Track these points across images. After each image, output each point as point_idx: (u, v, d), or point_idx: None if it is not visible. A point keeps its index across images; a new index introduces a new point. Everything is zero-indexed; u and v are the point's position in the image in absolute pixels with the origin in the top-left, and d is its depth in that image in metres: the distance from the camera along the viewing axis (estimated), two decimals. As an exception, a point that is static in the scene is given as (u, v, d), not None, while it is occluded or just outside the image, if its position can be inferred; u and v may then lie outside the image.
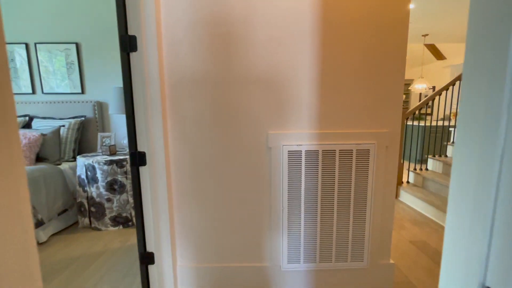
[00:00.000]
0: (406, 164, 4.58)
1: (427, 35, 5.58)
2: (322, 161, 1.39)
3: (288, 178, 1.40)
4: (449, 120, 3.54)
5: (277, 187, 1.42)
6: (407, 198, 3.08)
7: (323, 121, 1.39)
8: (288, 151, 1.38)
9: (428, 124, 4.72)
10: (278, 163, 1.40)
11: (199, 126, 1.38)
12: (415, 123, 5.33)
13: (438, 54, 9.31)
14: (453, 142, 3.36)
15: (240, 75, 1.34)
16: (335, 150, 1.39)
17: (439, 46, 8.64)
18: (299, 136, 1.38)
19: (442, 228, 2.43)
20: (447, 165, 3.09)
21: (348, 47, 1.32)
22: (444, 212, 2.48)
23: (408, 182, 3.40)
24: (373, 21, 1.30)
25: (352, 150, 1.39)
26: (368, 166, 1.40)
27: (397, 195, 3.29)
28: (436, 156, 3.40)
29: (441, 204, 2.59)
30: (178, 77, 1.34)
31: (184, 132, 1.39)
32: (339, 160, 1.40)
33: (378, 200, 1.45)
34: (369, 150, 1.39)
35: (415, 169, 3.39)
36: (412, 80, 10.51)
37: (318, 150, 1.39)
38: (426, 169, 3.40)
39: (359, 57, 1.33)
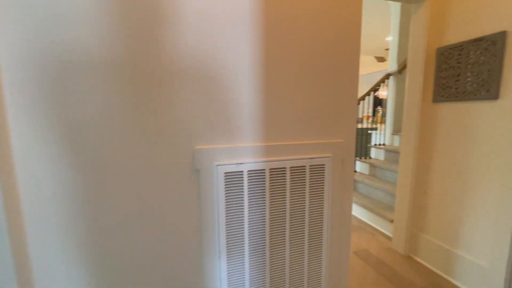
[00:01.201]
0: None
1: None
2: (270, 182, 1.05)
3: (226, 210, 1.00)
4: (361, 122, 3.81)
5: (210, 225, 1.00)
6: (342, 202, 3.10)
7: (270, 131, 1.05)
8: (225, 173, 0.98)
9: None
10: (210, 191, 0.98)
11: (85, 141, 0.84)
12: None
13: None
14: (375, 145, 3.60)
15: (158, 64, 0.87)
16: (285, 168, 1.07)
17: (352, 57, 9.79)
18: (239, 151, 1.00)
19: (378, 232, 2.46)
20: (373, 167, 3.26)
21: (301, 42, 1.03)
22: (377, 215, 2.53)
23: (340, 185, 3.47)
24: (329, 15, 1.04)
25: (305, 166, 1.10)
26: (323, 184, 1.14)
27: (332, 199, 3.30)
28: (362, 158, 3.58)
29: (373, 207, 2.65)
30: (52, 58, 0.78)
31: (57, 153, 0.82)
32: (291, 179, 1.08)
33: (335, 221, 1.20)
34: (324, 165, 1.13)
35: (345, 171, 3.49)
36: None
37: (264, 169, 1.04)
38: (355, 171, 3.54)
39: (311, 54, 1.05)
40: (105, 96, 0.84)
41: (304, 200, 1.12)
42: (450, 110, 1.71)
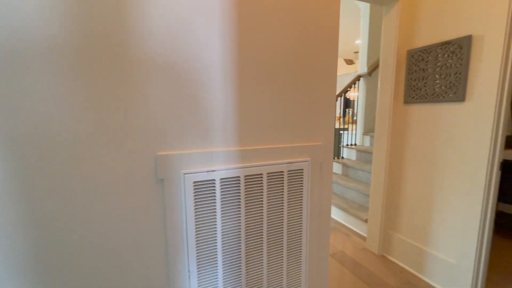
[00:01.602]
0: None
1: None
2: (246, 190, 0.95)
3: (196, 224, 0.88)
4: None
5: (177, 242, 0.88)
6: (317, 202, 3.10)
7: (245, 134, 0.95)
8: (194, 182, 0.86)
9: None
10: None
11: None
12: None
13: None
14: (347, 145, 3.67)
15: (119, 51, 0.72)
16: (261, 174, 0.98)
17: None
18: (210, 157, 0.89)
19: (353, 232, 2.48)
20: (346, 167, 3.31)
21: (277, 33, 0.94)
22: (351, 215, 2.55)
23: (314, 185, 3.48)
24: (306, 13, 0.97)
25: (283, 171, 1.01)
26: (302, 190, 1.06)
27: (307, 200, 3.29)
28: (335, 158, 3.63)
29: (347, 207, 2.68)
30: None
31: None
32: (268, 186, 0.99)
33: (314, 229, 1.14)
34: (302, 169, 1.05)
35: (319, 172, 3.50)
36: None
37: (239, 177, 0.93)
38: (328, 171, 3.57)
39: (288, 52, 0.97)
40: (48, 89, 0.68)
41: (283, 208, 1.04)
42: (420, 111, 1.75)
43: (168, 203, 0.84)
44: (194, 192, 0.86)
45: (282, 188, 1.02)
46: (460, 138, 1.54)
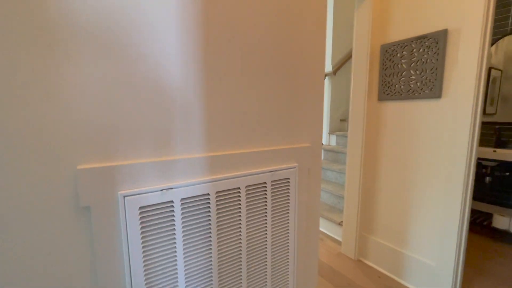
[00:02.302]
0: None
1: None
2: (218, 211, 0.70)
3: (146, 268, 0.60)
4: None
5: (116, 299, 0.58)
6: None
7: (215, 135, 0.70)
8: (141, 207, 0.58)
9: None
10: (113, 242, 0.56)
11: None
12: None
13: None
14: (313, 144, 3.61)
15: (36, 18, 0.41)
16: (238, 188, 0.73)
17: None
18: (164, 168, 0.61)
19: (327, 236, 2.37)
20: (314, 167, 3.22)
21: (254, 10, 0.70)
22: (324, 218, 2.44)
23: (283, 187, 3.33)
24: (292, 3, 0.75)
25: (265, 183, 0.78)
26: (288, 204, 0.85)
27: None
28: (303, 158, 3.54)
29: (320, 209, 2.56)
30: None
31: None
32: (247, 203, 0.75)
33: (303, 251, 0.93)
34: (288, 179, 0.84)
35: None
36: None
37: (208, 194, 0.67)
38: (296, 172, 3.46)
39: (270, 21, 0.74)
40: None
41: (266, 230, 0.80)
42: (395, 109, 1.68)
43: (100, 245, 0.55)
44: (142, 223, 0.58)
45: (265, 204, 0.79)
46: (437, 136, 1.49)
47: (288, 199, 0.84)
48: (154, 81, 0.58)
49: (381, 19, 1.72)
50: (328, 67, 3.51)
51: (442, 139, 1.46)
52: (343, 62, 3.43)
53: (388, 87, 1.70)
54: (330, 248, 2.15)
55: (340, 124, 3.73)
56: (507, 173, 2.22)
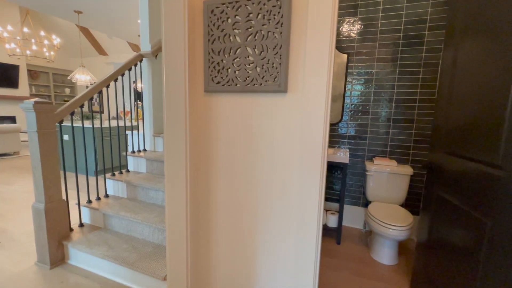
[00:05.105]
0: (73, 193, 3.18)
1: (81, 12, 4.36)
2: None
3: None
4: (121, 119, 2.74)
5: None
6: (85, 259, 1.80)
7: None
8: None
9: (99, 125, 3.68)
10: None
11: None
12: (87, 123, 4.07)
13: (99, 48, 8.61)
14: (133, 151, 2.60)
15: None
16: None
17: (99, 39, 7.91)
18: None
19: (146, 304, 1.51)
20: (133, 186, 2.25)
21: None
22: (142, 272, 1.57)
23: (82, 225, 2.11)
24: None
25: None
26: None
27: (64, 258, 1.87)
28: (117, 173, 2.45)
29: (136, 257, 1.67)
30: None
31: None
32: None
33: None
34: None
35: (89, 201, 2.17)
36: (72, 71, 8.91)
37: None
38: (106, 196, 2.33)
39: None
40: None
41: None
42: (229, 105, 1.10)
43: None
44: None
45: None
46: (285, 142, 1.04)
47: None
48: None
49: (200, -46, 1.06)
50: (146, 46, 2.58)
51: (292, 145, 1.02)
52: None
53: (219, 72, 1.09)
54: (152, 327, 1.34)
55: (168, 123, 2.91)
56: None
